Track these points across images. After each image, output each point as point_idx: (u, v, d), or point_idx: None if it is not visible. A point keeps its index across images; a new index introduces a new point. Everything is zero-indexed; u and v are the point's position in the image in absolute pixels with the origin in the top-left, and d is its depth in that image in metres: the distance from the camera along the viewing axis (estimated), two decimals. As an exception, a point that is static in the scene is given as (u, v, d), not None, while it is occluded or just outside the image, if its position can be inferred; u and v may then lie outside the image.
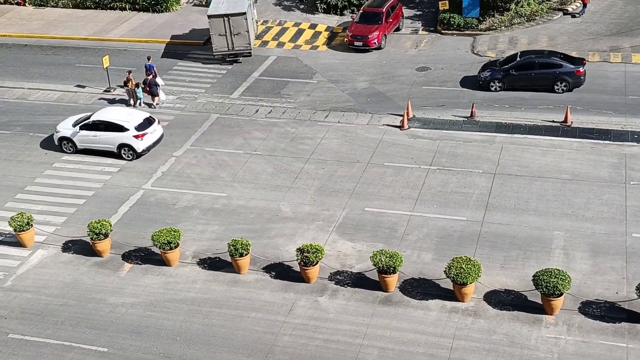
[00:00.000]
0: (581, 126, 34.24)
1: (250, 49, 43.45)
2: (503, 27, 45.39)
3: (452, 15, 45.53)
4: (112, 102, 39.64)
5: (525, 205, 29.04)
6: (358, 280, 25.81)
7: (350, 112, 37.29)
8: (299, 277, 25.96)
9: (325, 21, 48.81)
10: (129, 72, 39.22)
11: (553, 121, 34.83)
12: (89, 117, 34.81)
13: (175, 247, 26.89)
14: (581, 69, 37.02)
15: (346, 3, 49.30)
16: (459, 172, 31.51)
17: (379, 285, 25.26)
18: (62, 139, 34.85)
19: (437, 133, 34.71)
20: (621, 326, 23.03)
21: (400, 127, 35.37)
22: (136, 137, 33.74)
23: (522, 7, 45.68)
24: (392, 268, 24.59)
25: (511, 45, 42.98)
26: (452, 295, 24.59)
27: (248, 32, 42.57)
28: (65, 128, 34.89)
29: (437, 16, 47.10)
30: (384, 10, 44.72)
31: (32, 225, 28.45)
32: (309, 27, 48.11)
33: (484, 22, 45.54)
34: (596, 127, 34.08)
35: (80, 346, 23.85)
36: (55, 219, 30.24)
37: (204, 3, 51.81)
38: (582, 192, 29.59)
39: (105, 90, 41.07)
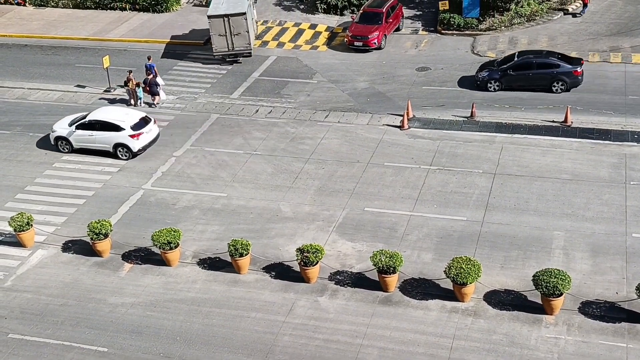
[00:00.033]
0: (581, 126, 34.24)
1: (250, 49, 43.45)
2: (503, 27, 45.39)
3: (452, 15, 45.53)
4: (112, 102, 39.64)
5: (525, 205, 29.04)
6: (358, 280, 25.81)
7: (350, 112, 37.29)
8: (299, 277, 25.96)
9: (325, 21, 48.81)
10: (130, 71, 39.23)
11: (553, 121, 34.84)
12: (85, 117, 34.87)
13: (175, 247, 26.90)
14: (579, 69, 37.04)
15: (346, 3, 49.31)
16: (459, 172, 31.52)
17: (379, 285, 25.26)
18: (58, 138, 34.89)
19: (437, 133, 34.71)
20: (621, 326, 23.03)
21: (400, 127, 35.37)
22: (132, 136, 33.78)
23: (522, 7, 45.68)
24: (392, 268, 24.59)
25: (511, 46, 42.98)
26: (452, 295, 24.59)
27: (248, 32, 42.56)
28: (62, 127, 34.94)
29: (437, 16, 47.10)
30: (384, 10, 44.72)
31: (32, 225, 28.46)
32: (309, 27, 48.12)
33: (484, 22, 45.54)
34: (596, 127, 34.08)
35: (80, 346, 23.85)
36: (55, 219, 30.25)
37: (204, 3, 51.82)
38: (582, 192, 29.59)
39: (105, 90, 41.08)
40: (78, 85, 41.95)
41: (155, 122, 35.13)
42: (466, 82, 39.26)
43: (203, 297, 25.62)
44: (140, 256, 27.83)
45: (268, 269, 26.74)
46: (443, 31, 45.72)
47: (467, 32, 45.24)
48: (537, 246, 26.71)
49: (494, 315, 23.86)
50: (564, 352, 22.27)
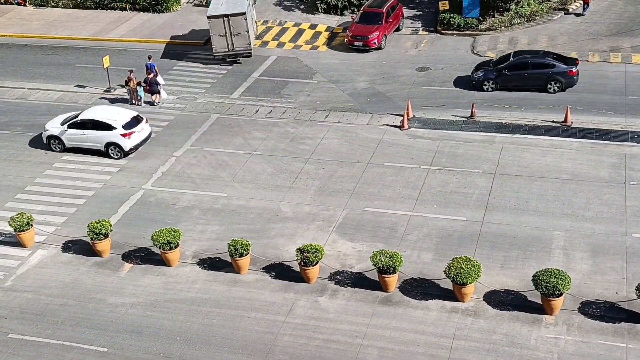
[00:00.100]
0: (581, 126, 34.24)
1: (250, 49, 43.44)
2: (503, 27, 45.39)
3: (452, 15, 45.53)
4: (112, 102, 39.64)
5: (525, 205, 29.04)
6: (358, 280, 25.81)
7: (350, 112, 37.30)
8: (299, 277, 25.96)
9: (326, 21, 48.81)
10: (130, 71, 39.25)
11: (553, 121, 34.84)
12: (77, 116, 34.95)
13: (175, 247, 26.90)
14: (574, 69, 37.07)
15: (346, 3, 49.31)
16: (459, 172, 31.52)
17: (379, 285, 25.27)
18: (50, 137, 34.97)
19: (437, 133, 34.72)
20: (621, 326, 23.03)
21: (400, 127, 35.38)
22: (124, 135, 33.85)
23: (522, 7, 45.68)
24: (392, 268, 24.59)
25: (511, 46, 42.97)
26: (452, 295, 24.60)
27: (248, 32, 42.54)
28: (54, 127, 35.04)
29: (437, 16, 47.10)
30: (384, 10, 44.73)
31: (32, 225, 28.46)
32: (309, 27, 48.12)
33: (484, 22, 45.54)
34: (596, 127, 34.08)
35: (80, 346, 23.86)
36: (55, 219, 30.25)
37: (204, 3, 51.82)
38: (582, 192, 29.59)
39: (105, 90, 41.09)
40: (78, 85, 41.96)
41: (147, 121, 35.18)
42: (467, 83, 39.24)
43: (203, 297, 25.63)
44: (140, 256, 27.83)
45: (268, 269, 26.74)
46: (443, 31, 45.73)
47: (467, 32, 45.24)
48: (537, 246, 26.71)
49: (494, 315, 23.86)
50: (563, 352, 22.28)
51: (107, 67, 40.15)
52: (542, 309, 23.75)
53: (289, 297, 25.27)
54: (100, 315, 25.09)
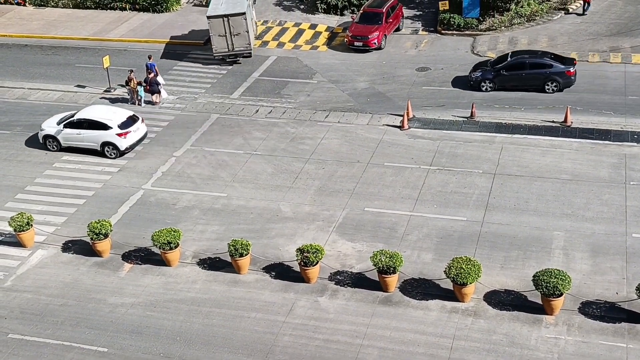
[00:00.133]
0: (581, 126, 34.24)
1: (250, 50, 43.43)
2: (503, 28, 45.39)
3: (452, 15, 45.53)
4: (113, 102, 39.63)
5: (525, 205, 29.04)
6: (358, 281, 25.80)
7: (350, 112, 37.30)
8: (299, 277, 25.96)
9: (326, 21, 48.81)
10: (131, 71, 39.27)
11: (553, 121, 34.84)
12: (73, 116, 34.98)
13: (175, 247, 26.90)
14: (571, 69, 37.09)
15: (346, 3, 49.30)
16: (459, 172, 31.52)
17: (379, 286, 25.26)
18: (46, 136, 35.03)
19: (437, 133, 34.72)
20: (621, 326, 23.03)
21: (400, 127, 35.38)
22: (119, 135, 33.88)
23: (522, 7, 45.68)
24: (392, 268, 24.58)
25: (511, 46, 42.97)
26: (452, 296, 24.59)
27: (248, 32, 42.53)
28: (50, 126, 35.11)
29: (437, 16, 47.10)
30: (384, 10, 44.72)
31: (32, 225, 28.46)
32: (309, 27, 48.12)
33: (484, 23, 45.53)
34: (596, 127, 34.09)
35: (80, 346, 23.85)
36: (55, 219, 30.25)
37: (204, 3, 51.81)
38: (582, 192, 29.59)
39: (105, 90, 41.08)
40: (78, 85, 41.96)
41: (142, 120, 35.20)
42: (466, 83, 39.20)
43: (203, 297, 25.62)
44: (140, 256, 27.83)
45: (268, 269, 26.73)
46: (443, 31, 45.72)
47: (467, 32, 45.24)
48: (537, 246, 26.71)
49: (494, 315, 23.86)
50: (564, 352, 22.27)
51: (107, 67, 40.14)
52: (542, 309, 23.75)
53: (289, 297, 25.27)
54: (100, 315, 25.09)
